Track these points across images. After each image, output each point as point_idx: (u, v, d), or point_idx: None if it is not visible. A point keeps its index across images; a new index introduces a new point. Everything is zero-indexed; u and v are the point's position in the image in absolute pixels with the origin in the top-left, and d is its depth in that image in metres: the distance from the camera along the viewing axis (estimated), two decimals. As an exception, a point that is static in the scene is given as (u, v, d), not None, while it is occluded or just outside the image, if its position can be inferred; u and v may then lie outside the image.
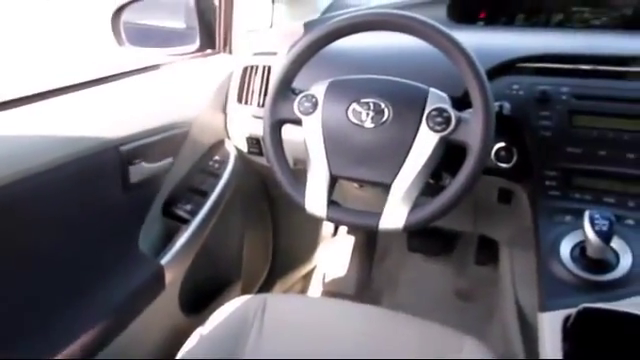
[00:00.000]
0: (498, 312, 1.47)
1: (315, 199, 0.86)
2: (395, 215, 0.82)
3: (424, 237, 1.64)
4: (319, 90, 0.88)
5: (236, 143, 1.27)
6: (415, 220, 0.81)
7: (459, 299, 1.63)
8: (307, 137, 0.88)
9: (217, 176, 1.21)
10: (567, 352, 0.75)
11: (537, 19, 1.20)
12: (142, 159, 1.02)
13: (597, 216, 0.74)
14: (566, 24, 1.18)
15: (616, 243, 0.79)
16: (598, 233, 0.73)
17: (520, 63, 0.96)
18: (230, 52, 1.31)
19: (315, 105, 0.87)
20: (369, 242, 1.78)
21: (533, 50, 0.97)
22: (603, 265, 0.79)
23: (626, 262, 0.79)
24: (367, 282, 1.74)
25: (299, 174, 0.92)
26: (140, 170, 1.02)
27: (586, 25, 1.17)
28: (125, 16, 1.21)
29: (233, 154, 1.26)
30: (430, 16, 0.85)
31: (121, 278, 1.01)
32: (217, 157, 1.25)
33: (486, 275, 1.58)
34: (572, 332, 0.75)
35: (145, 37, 1.31)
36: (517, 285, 1.35)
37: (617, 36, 1.07)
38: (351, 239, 1.77)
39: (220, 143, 1.27)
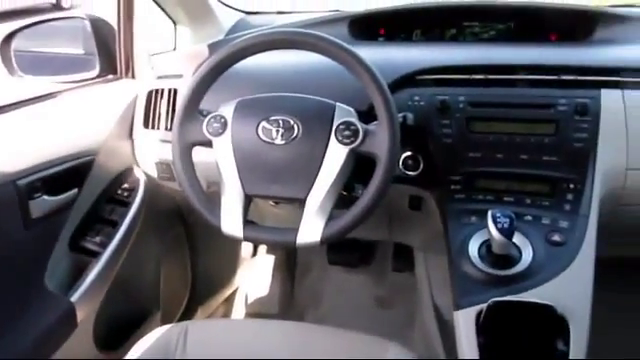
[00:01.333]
0: (418, 315, 1.52)
1: (231, 220, 0.86)
2: (311, 229, 0.83)
3: (343, 249, 1.67)
4: (227, 110, 0.88)
5: (145, 169, 1.23)
6: (331, 233, 0.82)
7: (380, 307, 1.67)
8: (218, 158, 0.87)
9: (127, 205, 1.17)
10: (482, 345, 0.79)
11: (432, 34, 1.27)
12: (43, 192, 0.97)
13: (499, 215, 0.79)
14: (459, 38, 1.26)
15: (517, 239, 0.85)
16: (501, 231, 0.78)
17: (420, 75, 1.01)
18: (133, 77, 1.27)
19: (224, 125, 0.87)
20: (289, 259, 1.78)
21: (431, 63, 1.03)
22: (508, 260, 0.84)
23: (527, 255, 0.85)
24: (290, 299, 1.74)
25: (213, 196, 0.91)
26: (42, 204, 0.97)
27: (477, 38, 1.26)
28: (16, 43, 1.15)
29: (143, 181, 1.22)
30: (332, 33, 0.87)
31: (29, 320, 0.94)
32: (126, 185, 1.20)
33: (404, 281, 1.64)
34: (485, 326, 0.80)
35: (40, 65, 1.25)
36: (433, 287, 1.40)
37: (505, 47, 1.15)
38: (271, 258, 1.77)
39: (128, 170, 1.23)
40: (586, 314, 0.80)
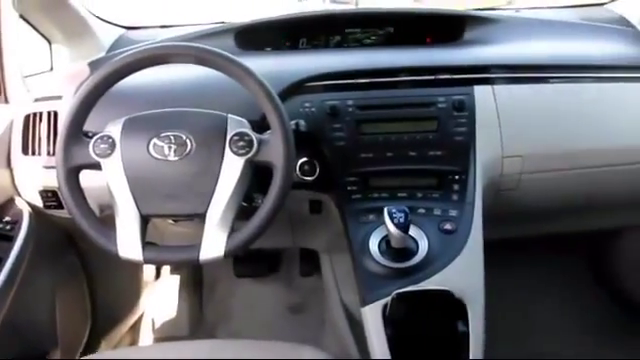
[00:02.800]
0: (329, 317, 1.54)
1: (128, 243, 0.82)
2: (214, 244, 0.82)
3: (249, 261, 1.66)
4: (115, 129, 0.84)
5: (29, 199, 1.14)
6: (235, 245, 0.82)
7: (293, 313, 1.68)
8: (109, 180, 0.83)
9: (11, 239, 1.08)
10: (390, 337, 0.82)
11: (318, 42, 1.30)
12: None
13: (394, 211, 0.83)
14: (343, 44, 1.31)
15: (413, 231, 0.90)
16: (397, 225, 0.82)
17: (308, 83, 1.04)
18: (6, 101, 1.18)
19: (113, 146, 0.83)
20: (195, 277, 1.74)
21: (318, 70, 1.06)
22: (406, 253, 0.88)
23: (424, 246, 0.90)
24: (200, 318, 1.69)
25: (108, 220, 0.87)
26: None
27: (360, 44, 1.31)
28: None
29: (27, 211, 1.14)
30: (219, 45, 0.87)
31: None
32: (8, 218, 1.11)
33: (313, 284, 1.66)
34: (391, 317, 0.83)
35: None
36: (341, 287, 1.44)
37: (386, 51, 1.21)
38: (176, 278, 1.71)
39: (9, 202, 1.13)
40: (480, 295, 0.86)
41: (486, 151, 1.00)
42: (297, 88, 1.02)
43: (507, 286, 1.60)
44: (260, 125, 0.87)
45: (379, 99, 1.03)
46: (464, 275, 0.87)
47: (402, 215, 0.83)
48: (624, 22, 1.37)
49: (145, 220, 0.83)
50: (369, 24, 1.30)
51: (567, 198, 1.18)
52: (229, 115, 0.85)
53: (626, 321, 1.62)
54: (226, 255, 0.82)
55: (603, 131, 1.08)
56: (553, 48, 1.19)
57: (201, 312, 1.71)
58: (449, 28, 1.27)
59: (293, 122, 0.93)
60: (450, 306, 0.84)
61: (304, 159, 0.99)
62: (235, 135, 0.82)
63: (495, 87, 1.05)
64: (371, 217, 0.95)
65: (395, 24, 1.30)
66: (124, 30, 1.44)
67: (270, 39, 1.28)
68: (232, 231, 0.82)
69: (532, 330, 1.59)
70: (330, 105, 1.00)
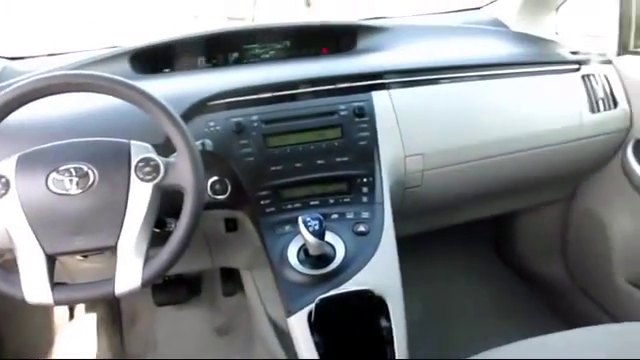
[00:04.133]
0: (257, 334, 1.53)
1: (35, 286, 0.77)
2: (129, 275, 0.79)
3: (168, 288, 1.62)
4: (7, 168, 0.79)
5: None
6: (151, 273, 0.80)
7: (220, 335, 1.65)
8: (6, 222, 0.78)
9: None
10: (318, 343, 0.84)
11: (216, 60, 1.31)
12: None
13: (308, 219, 0.85)
14: (243, 60, 1.32)
15: (329, 237, 0.92)
16: (313, 233, 0.83)
17: (211, 102, 1.03)
18: None
19: (7, 185, 0.78)
20: (112, 312, 1.66)
21: (219, 88, 1.05)
22: (325, 259, 0.90)
23: (341, 250, 0.92)
24: (122, 355, 1.62)
25: (9, 264, 0.81)
26: None
27: (259, 59, 1.33)
28: None
29: None
30: (114, 71, 0.85)
31: None
32: None
33: (238, 303, 1.64)
34: (318, 324, 0.85)
35: None
36: (266, 303, 1.44)
37: (285, 65, 1.24)
38: (92, 316, 1.63)
39: None
40: (398, 290, 0.90)
41: (389, 152, 1.05)
42: (199, 108, 1.02)
43: (424, 278, 1.68)
44: (165, 148, 0.86)
45: (283, 112, 1.04)
46: (381, 273, 0.90)
47: (317, 222, 0.84)
48: (499, 23, 1.49)
49: (51, 259, 0.79)
50: (266, 39, 1.32)
51: (468, 189, 1.27)
52: (132, 141, 0.83)
53: (531, 297, 1.76)
54: (143, 285, 0.80)
55: (490, 125, 1.18)
56: (440, 51, 1.28)
57: (122, 348, 1.63)
58: (343, 38, 1.32)
59: (199, 142, 0.92)
60: (372, 304, 0.87)
61: (214, 178, 0.98)
62: (140, 161, 0.80)
63: (391, 92, 1.11)
64: (287, 228, 0.96)
65: (291, 38, 1.33)
66: (7, 61, 1.35)
67: (167, 60, 1.27)
68: (147, 259, 0.80)
69: (450, 316, 1.67)
70: (235, 122, 1.01)
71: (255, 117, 1.02)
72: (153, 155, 0.81)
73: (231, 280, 1.63)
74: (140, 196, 0.80)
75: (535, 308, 1.69)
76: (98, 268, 1.15)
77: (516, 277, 1.84)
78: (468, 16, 1.57)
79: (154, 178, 0.80)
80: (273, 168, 1.00)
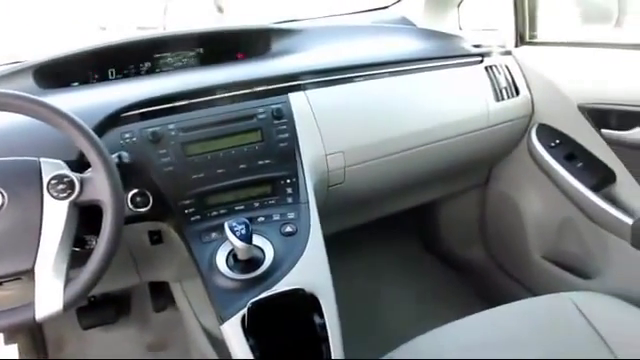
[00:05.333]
0: (193, 346, 1.51)
1: None
2: (50, 298, 0.75)
3: (95, 309, 1.55)
4: None
5: None
6: (73, 295, 0.77)
7: (154, 353, 1.60)
8: None
9: None
10: (253, 347, 0.84)
11: (128, 70, 1.27)
12: None
13: (234, 224, 0.84)
14: (155, 70, 1.29)
15: (257, 240, 0.93)
16: (240, 238, 0.83)
17: (124, 113, 1.00)
18: None
19: None
20: (36, 340, 1.57)
21: (133, 99, 1.03)
22: (255, 262, 0.90)
23: (270, 252, 0.92)
24: None
25: None
26: None
27: (172, 67, 1.30)
28: None
29: None
30: (17, 88, 0.81)
31: None
32: None
33: (170, 318, 1.60)
34: (252, 328, 0.85)
35: None
36: (199, 314, 1.41)
37: (200, 72, 1.23)
38: (13, 347, 1.53)
39: None
40: (329, 286, 0.91)
41: (310, 152, 1.07)
42: (113, 120, 0.98)
43: (355, 272, 1.72)
44: (79, 163, 0.83)
45: (201, 119, 1.03)
46: (311, 271, 0.92)
47: (243, 227, 0.84)
48: (406, 21, 1.56)
49: (-39, 291, 0.74)
50: (178, 47, 1.30)
51: (389, 182, 1.31)
52: (41, 159, 0.79)
53: (457, 281, 1.84)
54: (66, 308, 0.76)
55: (405, 118, 1.23)
56: (352, 51, 1.31)
57: None
58: (257, 43, 1.33)
59: (115, 155, 0.89)
60: (305, 303, 0.88)
61: (134, 191, 0.96)
62: (52, 179, 0.77)
63: (307, 92, 1.13)
64: (214, 235, 0.95)
65: (204, 44, 1.31)
66: None
67: (76, 73, 1.21)
68: (68, 281, 0.77)
69: (382, 307, 1.72)
70: (151, 132, 0.98)
71: (172, 126, 1.01)
72: (66, 171, 0.78)
73: (161, 294, 1.59)
74: (55, 215, 0.76)
75: (461, 291, 1.77)
76: (15, 296, 1.08)
77: (441, 263, 1.92)
78: (376, 15, 1.63)
79: (69, 195, 0.77)
80: (195, 176, 0.99)
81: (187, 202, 0.98)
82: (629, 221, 1.16)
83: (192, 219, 0.97)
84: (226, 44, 1.33)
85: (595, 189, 1.25)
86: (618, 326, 1.01)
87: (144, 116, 1.01)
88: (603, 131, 1.21)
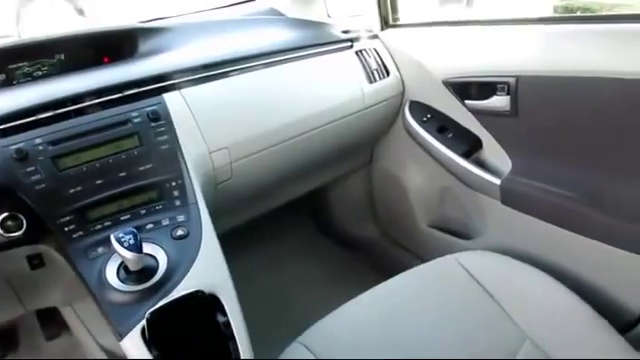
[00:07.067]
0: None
1: None
2: None
3: None
4: None
5: None
6: None
7: None
8: None
9: None
10: (157, 358, 0.81)
11: None
12: None
13: (121, 235, 0.81)
14: (13, 82, 1.18)
15: (148, 248, 0.89)
16: (129, 248, 0.80)
17: None
18: None
19: None
20: None
21: None
22: (148, 271, 0.87)
23: (163, 259, 0.90)
24: None
25: None
26: None
27: (32, 77, 1.20)
28: None
29: None
30: None
31: None
32: None
33: (65, 345, 1.50)
34: (153, 338, 0.82)
35: None
36: (96, 334, 1.34)
37: (64, 79, 1.14)
38: None
39: None
40: (229, 283, 0.91)
41: (193, 151, 1.05)
42: None
43: (256, 266, 1.73)
44: None
45: (71, 129, 0.97)
46: (209, 271, 0.90)
47: (131, 237, 0.81)
48: (276, 12, 1.57)
49: None
50: (36, 55, 1.20)
51: (277, 172, 1.32)
52: None
53: (354, 259, 1.91)
54: None
55: (284, 108, 1.24)
56: (225, 45, 1.30)
57: None
58: (123, 45, 1.27)
59: None
60: (206, 304, 0.86)
61: (4, 215, 0.88)
62: None
63: (183, 91, 1.10)
64: (100, 250, 0.90)
65: (65, 50, 1.23)
66: None
67: None
68: None
69: (287, 295, 1.75)
70: (15, 149, 0.91)
71: (39, 140, 0.93)
72: None
73: (52, 321, 1.48)
74: None
75: (360, 268, 1.84)
76: None
77: (339, 244, 1.98)
78: (245, 8, 1.62)
79: None
80: (71, 191, 0.93)
81: (66, 219, 0.92)
82: (497, 182, 1.27)
83: (74, 236, 0.92)
84: (90, 48, 1.25)
85: (466, 156, 1.36)
86: (499, 278, 1.11)
87: (4, 133, 0.93)
88: (467, 102, 1.31)
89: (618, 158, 1.07)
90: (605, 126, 1.06)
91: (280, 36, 1.41)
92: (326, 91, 1.33)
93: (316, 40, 1.40)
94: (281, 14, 1.56)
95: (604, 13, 1.32)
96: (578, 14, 1.35)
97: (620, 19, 1.04)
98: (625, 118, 1.02)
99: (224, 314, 0.87)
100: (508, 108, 1.20)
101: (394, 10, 1.50)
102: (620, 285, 1.12)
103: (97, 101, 1.02)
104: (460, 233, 1.51)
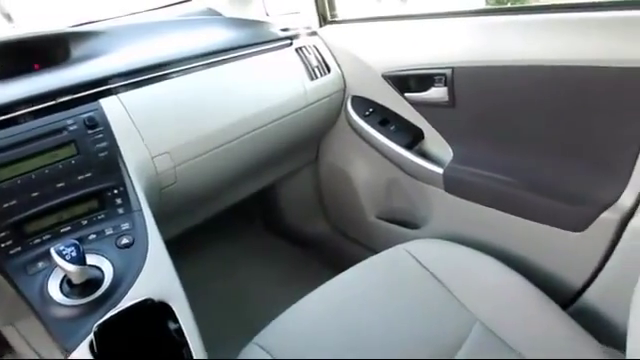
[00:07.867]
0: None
1: None
2: None
3: None
4: None
5: None
6: None
7: None
8: None
9: None
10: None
11: None
12: None
13: (62, 248, 0.78)
14: None
15: (92, 259, 0.87)
16: (71, 261, 0.77)
17: None
18: None
19: None
20: None
21: None
22: (94, 283, 0.84)
23: (109, 269, 0.87)
24: None
25: None
26: None
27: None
28: None
29: None
30: None
31: None
32: None
33: None
34: (103, 351, 0.80)
35: None
36: (41, 352, 1.28)
37: None
38: None
39: None
40: (179, 289, 0.89)
41: (134, 157, 1.02)
42: None
43: (208, 269, 1.70)
44: None
45: (2, 141, 0.93)
46: (157, 278, 0.88)
47: (72, 249, 0.78)
48: (213, 12, 1.55)
49: None
50: None
51: (223, 174, 1.31)
52: None
53: (307, 256, 1.92)
54: None
55: (225, 109, 1.23)
56: (162, 47, 1.27)
57: None
58: (55, 50, 1.22)
59: None
60: (157, 312, 0.85)
61: None
62: None
63: (120, 96, 1.07)
64: (40, 265, 0.87)
65: None
66: None
67: None
68: None
69: (242, 297, 1.73)
70: None
71: None
72: None
73: None
74: None
75: (313, 265, 1.85)
76: None
77: (290, 242, 1.98)
78: (181, 9, 1.60)
79: None
80: (6, 205, 0.89)
81: (1, 235, 0.88)
82: (440, 171, 1.31)
83: (11, 252, 0.88)
84: (19, 55, 1.19)
85: (409, 147, 1.39)
86: (447, 264, 1.14)
87: None
88: (406, 95, 1.34)
89: (552, 141, 1.12)
90: (538, 112, 1.10)
91: (219, 36, 1.39)
92: (268, 90, 1.32)
93: (255, 39, 1.39)
94: (218, 14, 1.54)
95: (534, 4, 1.38)
96: (509, 5, 1.40)
97: (548, 9, 1.08)
98: (555, 102, 1.06)
99: (175, 321, 0.86)
100: (446, 99, 1.24)
101: (332, 7, 1.52)
102: (561, 263, 1.17)
103: (29, 110, 0.98)
104: (408, 223, 1.54)
